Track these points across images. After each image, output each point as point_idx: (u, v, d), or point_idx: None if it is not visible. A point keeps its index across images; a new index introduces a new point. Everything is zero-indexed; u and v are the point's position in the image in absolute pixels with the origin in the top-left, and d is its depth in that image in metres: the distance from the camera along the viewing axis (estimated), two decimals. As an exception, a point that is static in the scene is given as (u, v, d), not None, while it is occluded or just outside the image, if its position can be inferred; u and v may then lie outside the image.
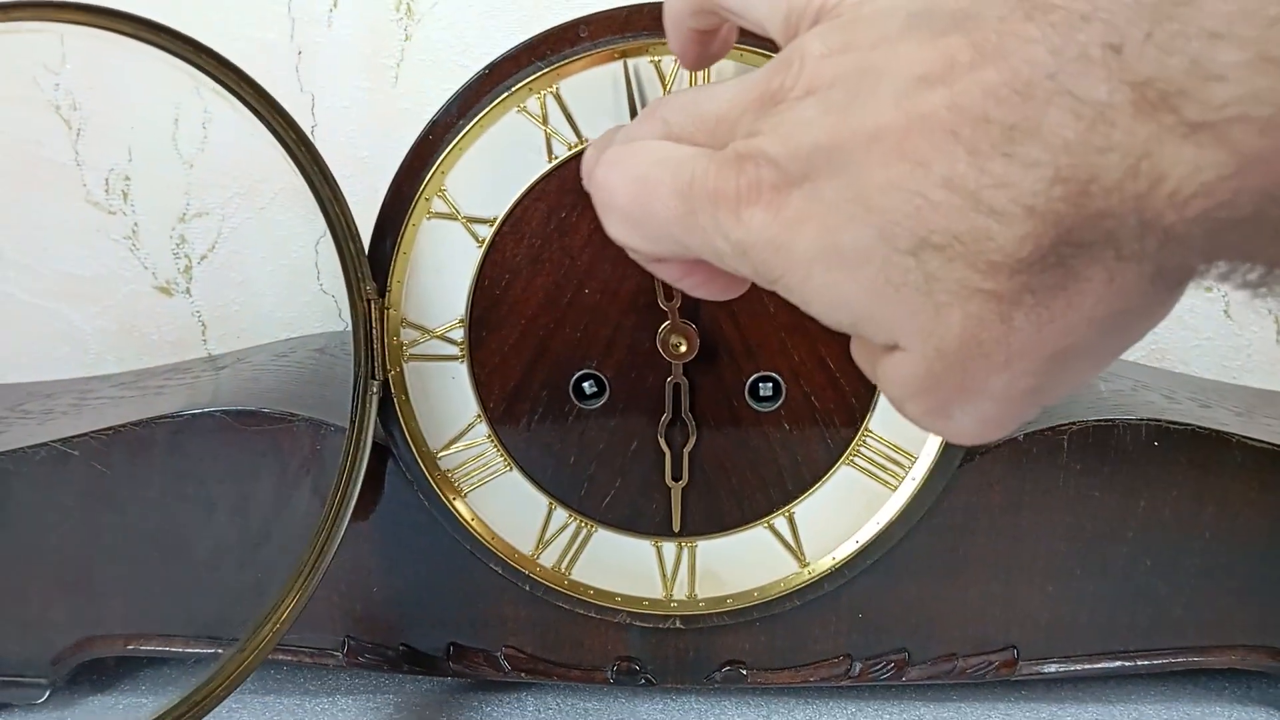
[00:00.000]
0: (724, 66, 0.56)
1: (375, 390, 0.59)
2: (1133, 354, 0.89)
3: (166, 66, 0.54)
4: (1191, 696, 0.69)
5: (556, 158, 0.57)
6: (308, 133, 0.56)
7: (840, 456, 0.61)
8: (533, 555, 0.63)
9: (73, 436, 0.60)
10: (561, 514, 0.63)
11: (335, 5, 0.84)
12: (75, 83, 0.87)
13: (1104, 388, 0.71)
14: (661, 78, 0.56)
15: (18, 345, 0.92)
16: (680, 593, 0.64)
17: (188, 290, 0.91)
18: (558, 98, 0.57)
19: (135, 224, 0.89)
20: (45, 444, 0.60)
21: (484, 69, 0.57)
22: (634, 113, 0.57)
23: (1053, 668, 0.66)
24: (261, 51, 0.85)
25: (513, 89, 0.56)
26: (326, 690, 0.70)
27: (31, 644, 0.66)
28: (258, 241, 0.89)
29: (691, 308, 0.59)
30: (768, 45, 0.55)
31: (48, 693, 0.67)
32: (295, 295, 0.90)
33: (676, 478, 0.61)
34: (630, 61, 0.56)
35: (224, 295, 0.91)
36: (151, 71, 0.87)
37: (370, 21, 0.85)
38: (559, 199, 0.58)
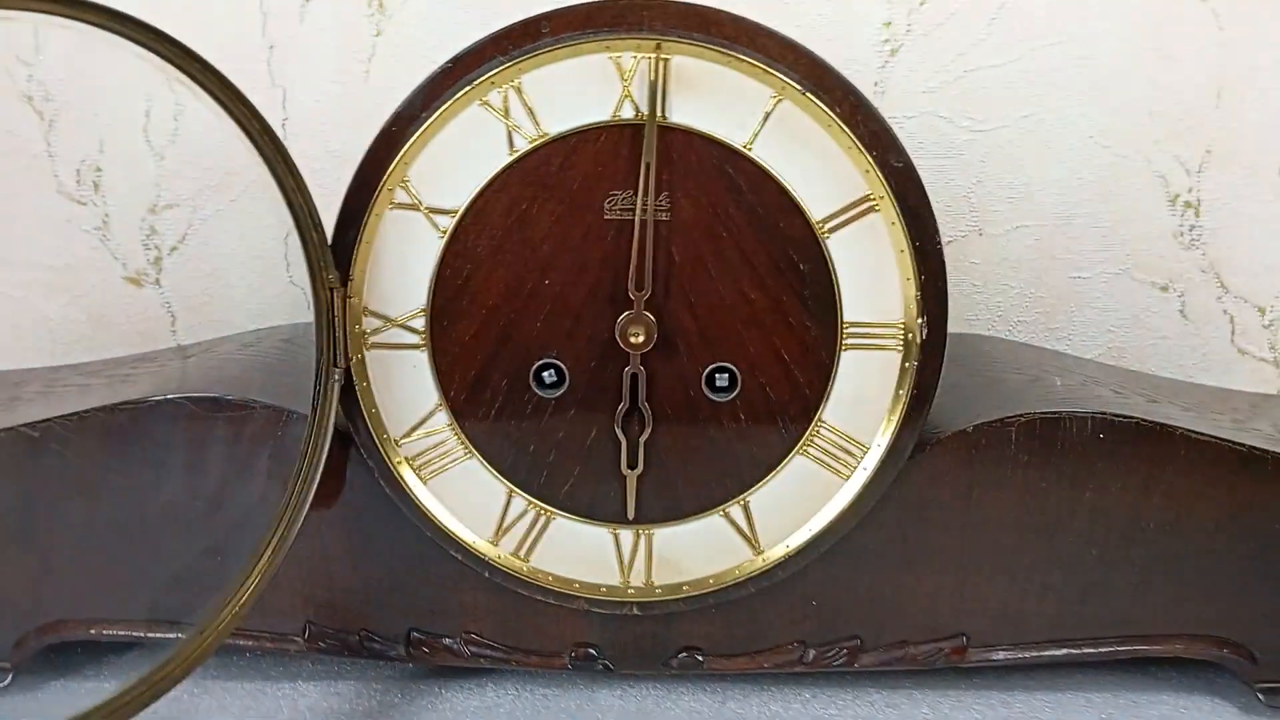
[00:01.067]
0: (707, 71, 0.57)
1: (337, 377, 0.60)
2: (1090, 352, 0.91)
3: (138, 59, 0.55)
4: (1139, 685, 0.71)
5: (517, 151, 0.58)
6: (278, 126, 0.57)
7: (794, 446, 0.63)
8: (492, 542, 0.64)
9: (38, 421, 0.61)
10: (520, 501, 0.64)
11: (307, 0, 0.85)
12: (48, 74, 0.87)
13: (1058, 383, 0.73)
14: (621, 73, 0.58)
15: (-11, 335, 0.93)
16: (638, 579, 0.65)
17: (158, 281, 0.91)
18: (519, 91, 0.58)
19: (106, 215, 0.90)
20: (10, 429, 0.61)
21: (447, 62, 0.58)
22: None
23: (1002, 655, 0.68)
24: (233, 45, 0.86)
25: (475, 82, 0.58)
26: (288, 676, 0.71)
27: (-6, 629, 0.67)
28: (228, 233, 0.90)
29: (654, 298, 0.60)
30: (763, 50, 0.57)
31: (10, 677, 0.68)
32: (265, 287, 0.91)
33: (632, 466, 0.62)
34: (594, 58, 0.57)
35: (194, 286, 0.91)
36: (124, 64, 0.87)
37: (342, 16, 0.85)
38: (520, 191, 0.59)
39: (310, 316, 0.89)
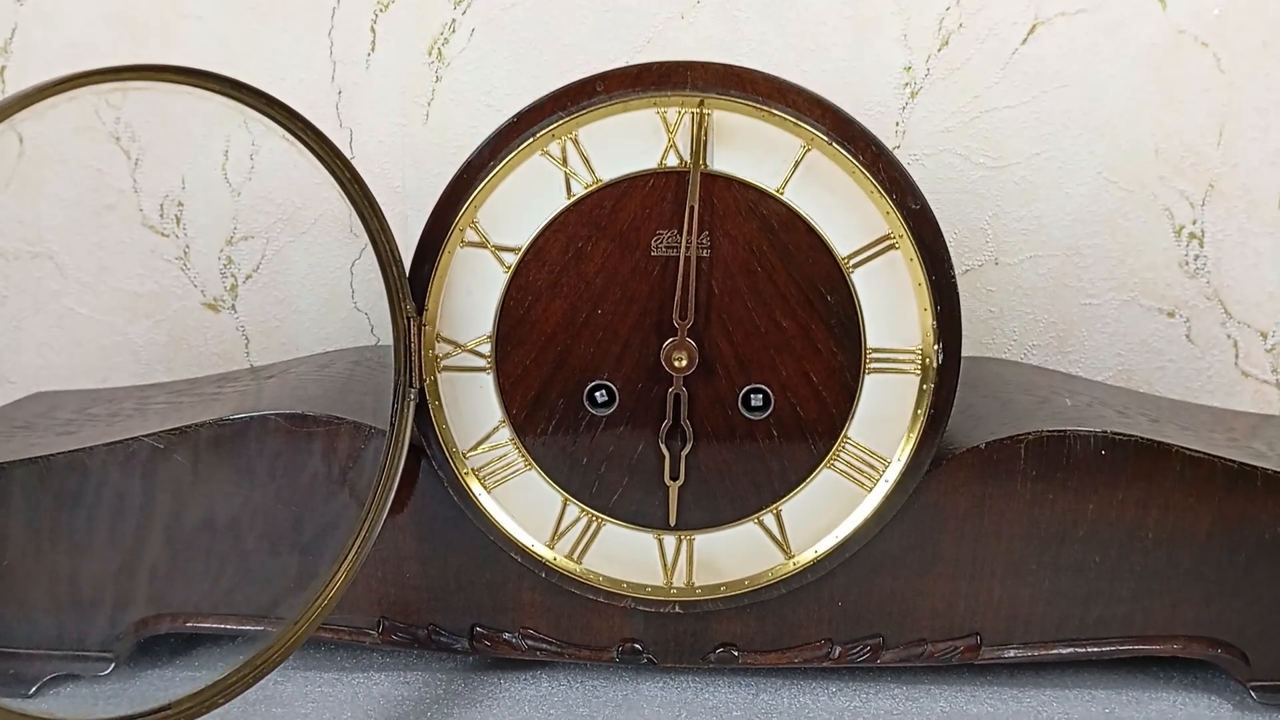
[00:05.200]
0: (743, 124, 0.64)
1: (413, 397, 0.67)
2: (1100, 375, 0.97)
3: (218, 104, 0.62)
4: (1140, 683, 0.77)
5: (574, 195, 0.66)
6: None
7: (822, 460, 0.69)
8: (548, 545, 0.71)
9: (158, 432, 0.68)
10: (574, 509, 0.70)
11: (373, 49, 0.93)
12: (134, 117, 0.95)
13: (1068, 403, 0.78)
14: (667, 126, 0.64)
15: (77, 356, 1.01)
16: (679, 580, 0.72)
17: (233, 307, 0.99)
18: (576, 143, 0.65)
19: (187, 246, 0.98)
20: (136, 438, 0.68)
21: (512, 117, 0.65)
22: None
23: (1012, 653, 0.74)
24: (305, 90, 0.93)
25: (537, 135, 0.65)
26: (361, 667, 0.78)
27: (99, 622, 0.74)
28: (298, 264, 0.98)
29: (696, 326, 0.67)
30: (794, 105, 0.63)
31: (112, 665, 0.75)
32: (331, 313, 0.99)
33: (674, 477, 0.69)
34: (642, 113, 0.64)
35: (266, 312, 0.99)
36: (204, 107, 0.95)
37: (405, 65, 0.93)
38: (576, 231, 0.66)
39: (374, 340, 0.98)
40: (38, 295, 0.99)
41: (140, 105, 0.95)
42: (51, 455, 0.70)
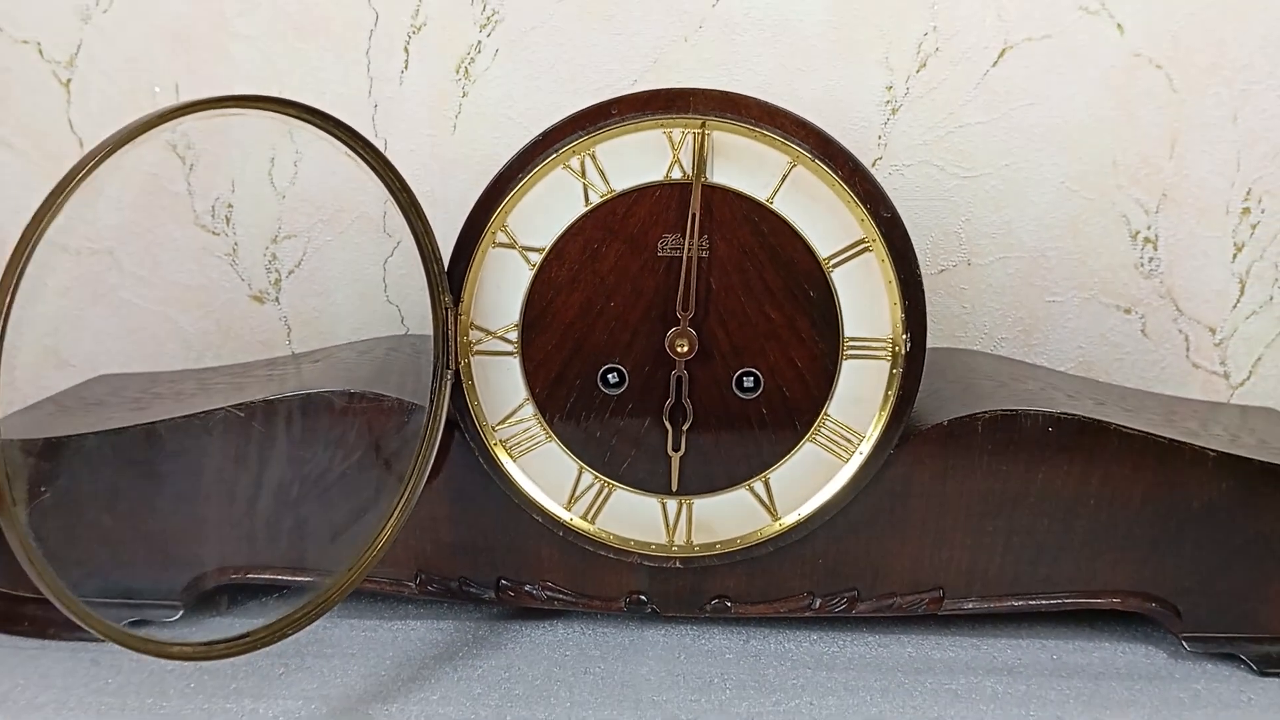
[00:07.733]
0: (738, 143, 0.74)
1: (449, 377, 0.77)
2: (1062, 366, 1.06)
3: (268, 117, 0.71)
4: (1086, 634, 0.87)
5: (591, 203, 0.75)
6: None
7: (805, 435, 0.79)
8: (565, 508, 0.81)
9: (234, 405, 0.78)
10: (588, 476, 0.80)
11: (406, 67, 1.02)
12: (190, 125, 1.05)
13: (1029, 387, 0.88)
14: (672, 144, 0.74)
15: (133, 343, 1.10)
16: (680, 539, 0.81)
17: (277, 299, 1.09)
18: (593, 158, 0.75)
19: (235, 243, 1.07)
20: (222, 409, 0.78)
21: (538, 135, 0.75)
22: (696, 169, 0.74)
23: (971, 605, 0.83)
24: (344, 104, 1.03)
25: (559, 150, 0.75)
26: (399, 616, 0.88)
27: (172, 574, 0.84)
28: (336, 260, 1.07)
29: (696, 317, 0.76)
30: (782, 126, 0.73)
31: (180, 613, 0.85)
32: (366, 305, 1.08)
33: (676, 449, 0.79)
34: (651, 133, 0.74)
35: (307, 304, 1.09)
36: (253, 120, 1.05)
37: (434, 81, 1.02)
38: (593, 234, 0.76)
39: (405, 330, 1.07)
40: (98, 288, 1.09)
41: (195, 117, 1.04)
42: (132, 426, 0.80)
